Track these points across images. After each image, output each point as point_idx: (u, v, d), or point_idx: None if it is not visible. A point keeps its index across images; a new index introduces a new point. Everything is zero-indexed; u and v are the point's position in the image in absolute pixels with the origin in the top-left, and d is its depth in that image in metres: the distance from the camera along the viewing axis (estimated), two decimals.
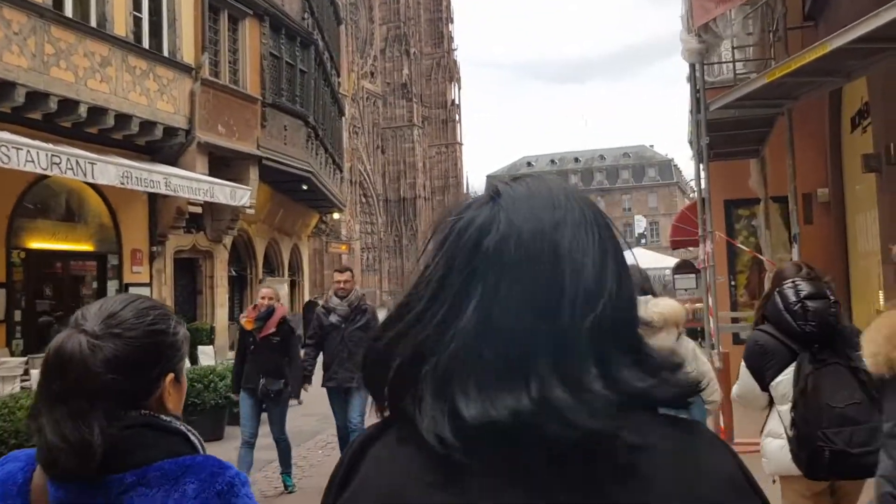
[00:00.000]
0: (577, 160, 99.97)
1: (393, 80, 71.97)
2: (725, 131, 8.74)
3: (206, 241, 15.35)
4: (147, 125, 12.10)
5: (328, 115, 21.70)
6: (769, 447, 3.39)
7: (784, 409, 3.26)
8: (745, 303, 10.14)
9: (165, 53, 12.78)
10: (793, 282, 3.28)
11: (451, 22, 79.83)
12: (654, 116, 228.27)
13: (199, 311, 15.52)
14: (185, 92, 13.26)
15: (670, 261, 22.14)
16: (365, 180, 67.99)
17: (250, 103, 15.31)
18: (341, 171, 24.56)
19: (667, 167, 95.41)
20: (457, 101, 79.11)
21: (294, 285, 23.60)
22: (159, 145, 12.78)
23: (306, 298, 23.64)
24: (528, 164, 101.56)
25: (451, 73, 78.32)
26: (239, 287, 18.28)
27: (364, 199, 68.66)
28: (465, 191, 79.75)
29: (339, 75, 24.80)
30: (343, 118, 24.95)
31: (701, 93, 7.62)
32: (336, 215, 25.64)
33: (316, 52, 18.06)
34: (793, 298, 3.21)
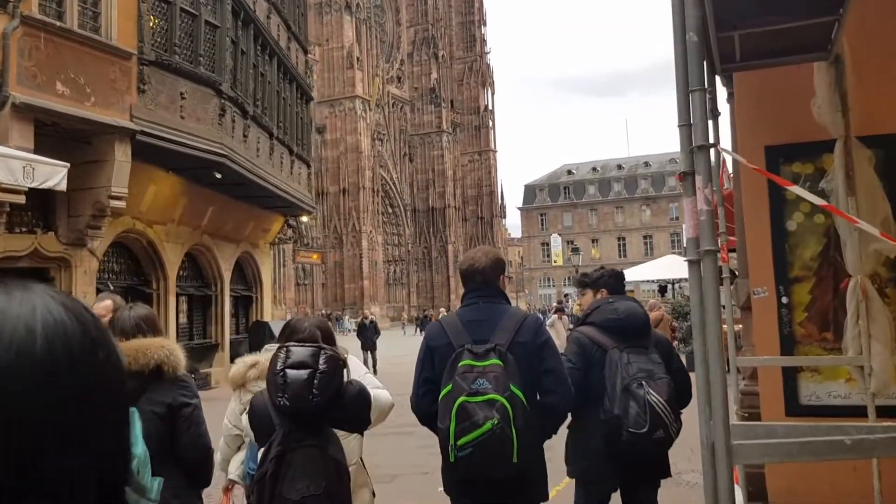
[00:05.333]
0: (620, 167, 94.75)
1: (421, 84, 68.22)
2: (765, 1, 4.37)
3: (57, 245, 11.39)
4: None
5: (279, 95, 17.68)
6: None
7: None
8: (808, 337, 5.65)
9: None
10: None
11: (484, 25, 75.90)
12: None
13: None
14: None
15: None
16: (391, 189, 64.25)
17: (118, 58, 11.34)
18: (308, 166, 20.50)
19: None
20: (490, 107, 74.95)
21: (251, 301, 19.59)
22: None
23: (265, 317, 19.58)
24: (569, 171, 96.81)
25: (483, 77, 74.26)
26: None
27: (390, 210, 64.90)
28: (498, 200, 75.47)
29: (305, 51, 20.80)
30: (311, 103, 20.91)
31: None
32: (304, 219, 21.65)
33: (236, 3, 14.04)
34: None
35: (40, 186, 9.05)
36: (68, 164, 9.13)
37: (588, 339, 3.91)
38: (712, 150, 2.75)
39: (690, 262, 2.94)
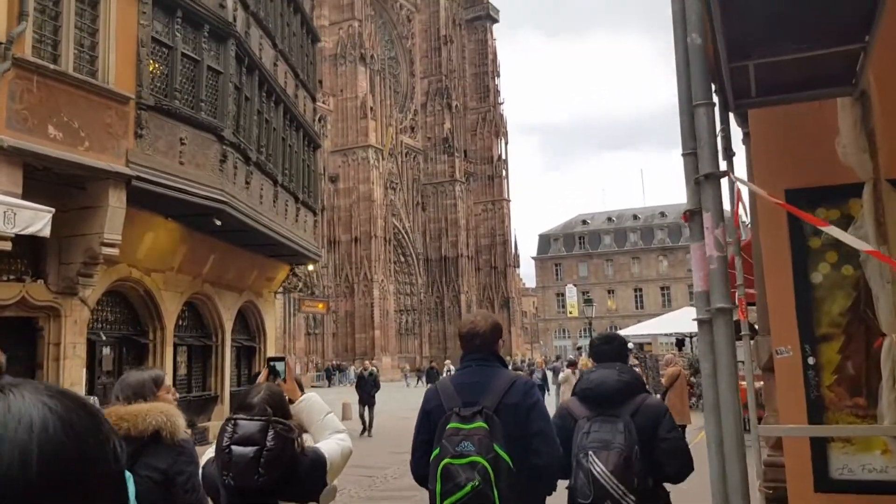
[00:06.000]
0: (636, 217, 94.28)
1: (434, 134, 68.58)
2: (778, 25, 3.94)
3: (46, 294, 11.00)
4: None
5: (285, 143, 17.46)
6: None
7: None
8: (838, 402, 5.05)
9: None
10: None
11: (498, 76, 76.65)
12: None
13: None
14: None
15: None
16: (404, 238, 64.06)
17: (115, 102, 11.11)
18: (315, 214, 20.19)
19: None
20: (503, 157, 75.13)
21: (253, 352, 19.09)
22: None
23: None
24: (584, 222, 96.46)
25: (497, 127, 74.65)
26: (136, 357, 13.83)
27: (403, 259, 64.61)
28: (512, 250, 75.07)
29: (313, 99, 20.69)
30: (318, 150, 20.70)
31: None
32: (310, 267, 21.26)
33: (240, 49, 13.88)
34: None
35: (22, 232, 8.69)
36: (53, 210, 8.78)
37: (567, 409, 3.96)
38: (724, 182, 2.26)
39: (700, 322, 2.43)
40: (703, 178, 2.05)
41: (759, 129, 5.48)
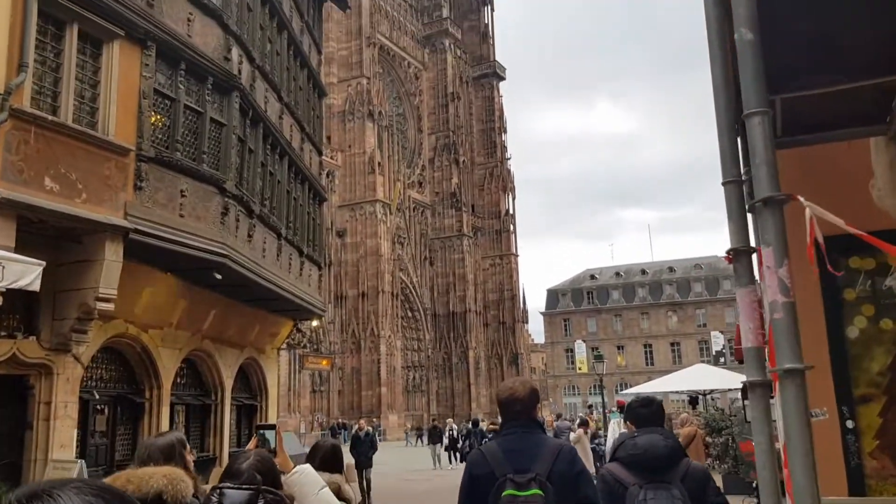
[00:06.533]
0: (644, 272, 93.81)
1: (442, 189, 68.80)
2: (810, 52, 3.63)
3: (38, 351, 10.60)
4: None
5: (289, 195, 17.26)
6: None
7: None
8: (882, 470, 4.56)
9: None
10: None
11: (504, 132, 77.30)
12: (724, 227, 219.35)
13: (26, 454, 10.60)
14: None
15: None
16: (411, 293, 63.64)
17: (114, 154, 10.89)
18: (319, 268, 19.86)
19: None
20: (511, 211, 75.18)
21: (254, 411, 18.55)
22: None
23: None
24: (592, 276, 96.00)
25: (504, 182, 74.92)
26: (131, 416, 13.35)
27: (410, 314, 64.06)
28: (520, 305, 74.46)
29: (319, 152, 20.57)
30: (324, 204, 20.50)
31: None
32: (314, 323, 20.81)
33: (244, 102, 13.76)
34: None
35: (11, 286, 8.35)
36: (43, 263, 8.45)
37: (612, 476, 3.88)
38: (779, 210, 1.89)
39: (752, 385, 2.04)
40: (759, 205, 1.68)
41: (785, 171, 5.11)
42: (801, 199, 1.87)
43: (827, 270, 4.59)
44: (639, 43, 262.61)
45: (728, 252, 2.27)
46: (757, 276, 2.68)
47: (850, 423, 4.61)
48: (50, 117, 9.96)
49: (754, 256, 2.64)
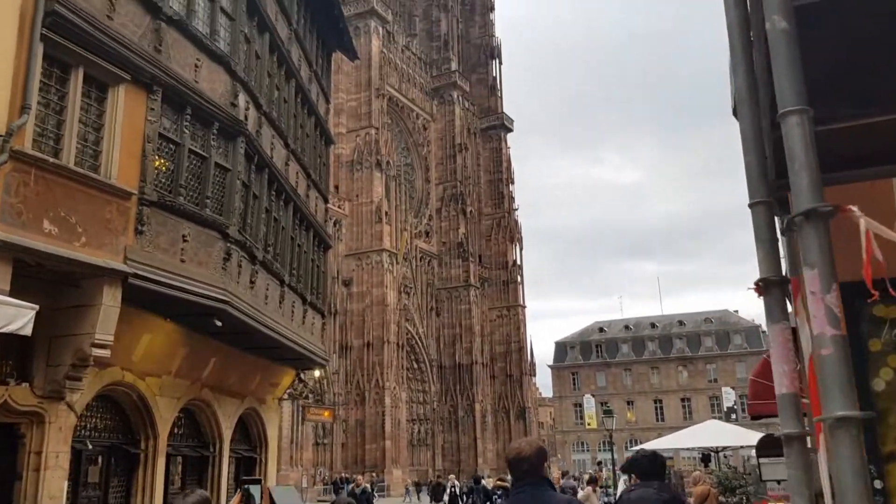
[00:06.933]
0: (653, 326, 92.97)
1: (449, 239, 68.78)
2: (835, 80, 3.40)
3: (30, 398, 10.30)
4: None
5: (294, 242, 17.11)
6: None
7: None
8: None
9: None
10: None
11: (512, 183, 77.66)
12: (735, 280, 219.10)
13: None
14: None
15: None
16: (417, 344, 63.07)
17: (116, 198, 10.76)
18: (323, 316, 19.59)
19: (754, 334, 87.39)
20: (518, 262, 74.98)
21: (254, 463, 18.06)
22: None
23: (271, 482, 17.97)
24: (601, 329, 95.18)
25: (511, 233, 74.93)
26: (126, 468, 12.95)
27: (416, 365, 63.37)
28: (528, 357, 73.66)
29: (325, 200, 20.50)
30: (327, 252, 20.34)
31: None
32: (317, 373, 20.44)
33: (250, 147, 13.70)
34: None
35: (2, 330, 8.11)
36: (37, 307, 8.22)
37: None
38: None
39: (789, 438, 1.76)
40: (800, 219, 1.43)
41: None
42: (854, 209, 1.62)
43: (852, 318, 4.32)
44: (646, 98, 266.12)
45: (757, 283, 2.01)
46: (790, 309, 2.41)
47: (878, 484, 4.27)
48: (51, 160, 9.85)
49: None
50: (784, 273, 1.92)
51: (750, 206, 1.82)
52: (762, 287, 1.93)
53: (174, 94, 11.85)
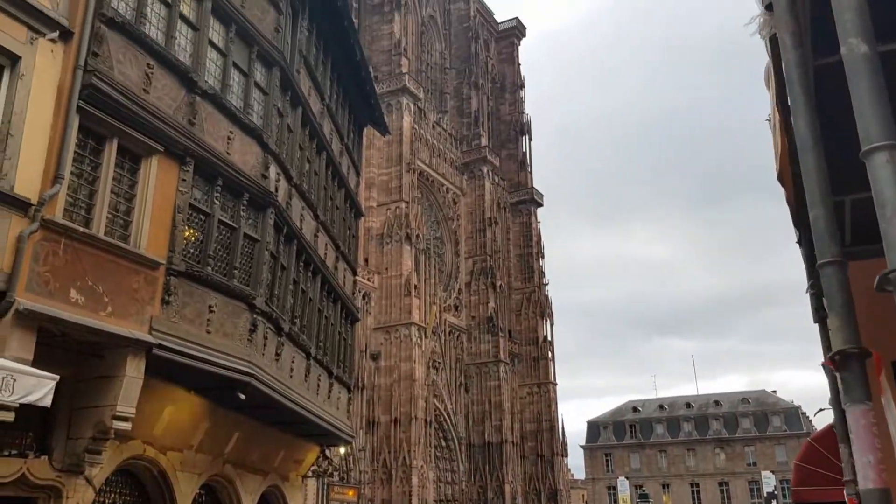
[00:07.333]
0: (689, 405, 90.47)
1: (478, 313, 68.21)
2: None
3: (48, 472, 10.06)
4: None
5: (321, 314, 16.95)
6: None
7: None
8: None
9: None
10: None
11: (542, 257, 77.33)
12: (773, 362, 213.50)
13: None
14: (9, 236, 8.88)
15: None
16: (445, 421, 61.84)
17: (144, 268, 10.74)
18: (349, 391, 19.24)
19: (794, 416, 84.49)
20: (549, 338, 73.92)
21: None
22: None
23: None
24: (634, 409, 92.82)
25: (542, 308, 74.17)
26: None
27: (444, 443, 61.97)
28: (559, 437, 71.74)
29: (354, 272, 20.43)
30: (355, 325, 20.12)
31: None
32: (342, 449, 19.94)
33: (279, 219, 13.72)
34: None
35: (21, 401, 7.98)
36: (57, 377, 8.11)
37: None
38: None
39: None
40: (895, 276, 1.19)
41: (856, 288, 4.56)
42: None
43: None
44: (676, 174, 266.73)
45: (831, 357, 1.74)
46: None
47: None
48: (81, 229, 9.89)
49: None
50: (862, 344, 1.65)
51: (819, 266, 1.57)
52: (838, 361, 1.65)
53: (206, 166, 11.97)
